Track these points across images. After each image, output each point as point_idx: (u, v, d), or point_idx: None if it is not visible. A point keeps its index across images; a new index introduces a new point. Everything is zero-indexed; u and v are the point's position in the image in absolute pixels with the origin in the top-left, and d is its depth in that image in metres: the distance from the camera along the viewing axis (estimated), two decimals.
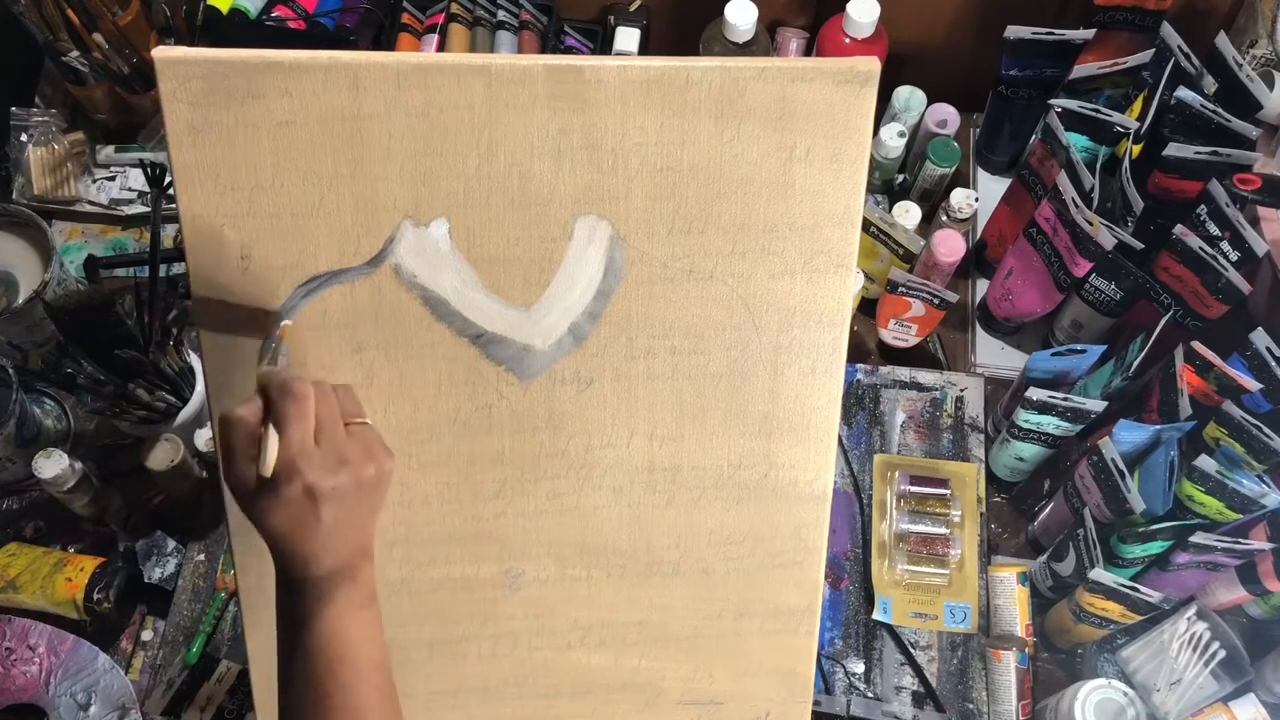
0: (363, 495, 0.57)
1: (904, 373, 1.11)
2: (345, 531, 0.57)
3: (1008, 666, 0.94)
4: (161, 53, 0.59)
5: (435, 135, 0.62)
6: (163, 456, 0.95)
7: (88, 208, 1.17)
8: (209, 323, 0.64)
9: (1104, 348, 0.95)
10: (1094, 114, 0.98)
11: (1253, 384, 0.88)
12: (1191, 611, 0.93)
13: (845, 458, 1.07)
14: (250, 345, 0.65)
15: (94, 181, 1.17)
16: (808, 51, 1.20)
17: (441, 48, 1.22)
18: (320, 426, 0.56)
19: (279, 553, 0.57)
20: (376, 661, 0.58)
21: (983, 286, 1.14)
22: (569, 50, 1.22)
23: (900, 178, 1.18)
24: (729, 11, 1.08)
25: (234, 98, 0.60)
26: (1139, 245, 0.95)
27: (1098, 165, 0.99)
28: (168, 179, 0.96)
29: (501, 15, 1.23)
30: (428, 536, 0.70)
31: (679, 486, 0.71)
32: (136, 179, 1.17)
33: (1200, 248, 0.90)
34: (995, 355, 1.13)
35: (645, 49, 1.19)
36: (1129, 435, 0.88)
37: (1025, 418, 0.95)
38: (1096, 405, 0.92)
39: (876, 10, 1.06)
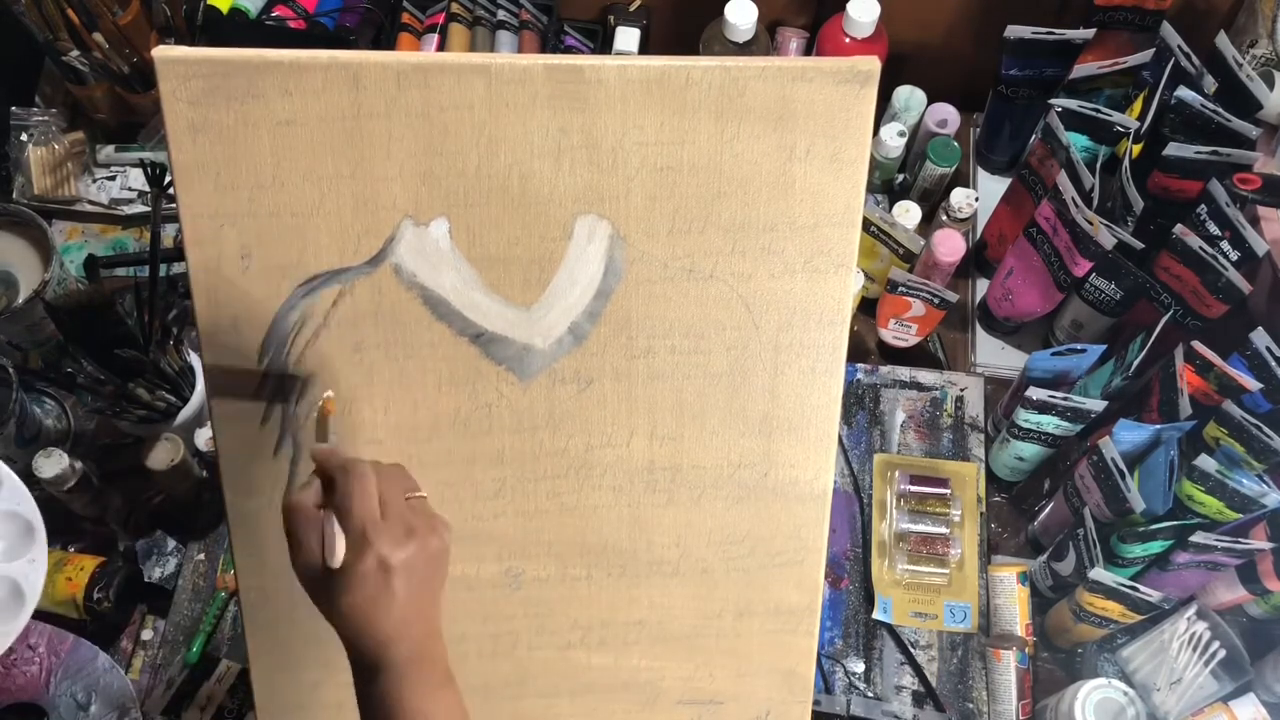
0: (430, 567, 0.57)
1: (904, 372, 1.11)
2: (417, 607, 0.57)
3: (1008, 666, 0.94)
4: (161, 52, 0.59)
5: (435, 135, 0.62)
6: (163, 456, 0.95)
7: (88, 207, 1.17)
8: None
9: (1104, 347, 0.94)
10: (1094, 114, 0.98)
11: (1253, 384, 0.88)
12: (1191, 611, 0.93)
13: (845, 457, 1.07)
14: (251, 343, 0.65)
15: (94, 181, 1.17)
16: (808, 51, 1.20)
17: (441, 47, 1.22)
18: (384, 502, 0.57)
19: (355, 635, 0.56)
20: None
21: (983, 286, 1.14)
22: (569, 50, 1.22)
23: (900, 177, 1.18)
24: (729, 11, 1.08)
25: (234, 97, 0.60)
26: (1139, 245, 0.95)
27: (1098, 165, 0.99)
28: (168, 179, 0.96)
29: (501, 15, 1.23)
30: None
31: (679, 486, 0.71)
32: (136, 179, 1.17)
33: (1200, 247, 0.90)
34: (995, 355, 1.13)
35: (645, 49, 1.19)
36: (1129, 435, 0.88)
37: (1025, 417, 0.95)
38: (1096, 405, 0.92)
39: (876, 10, 1.06)
